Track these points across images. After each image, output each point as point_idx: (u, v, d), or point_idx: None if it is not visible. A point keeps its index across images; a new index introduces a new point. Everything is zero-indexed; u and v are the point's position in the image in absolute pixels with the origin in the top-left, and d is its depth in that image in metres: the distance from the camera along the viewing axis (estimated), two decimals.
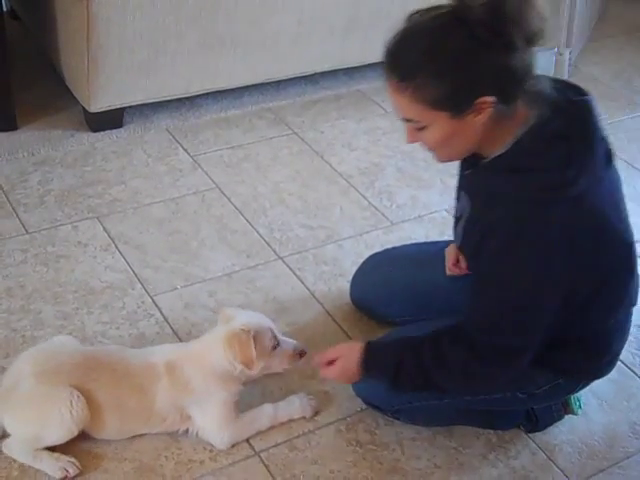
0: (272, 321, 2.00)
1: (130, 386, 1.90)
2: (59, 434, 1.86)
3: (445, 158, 1.75)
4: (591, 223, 1.64)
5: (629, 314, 1.89)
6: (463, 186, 1.84)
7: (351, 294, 2.35)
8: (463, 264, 2.02)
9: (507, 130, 1.64)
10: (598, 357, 1.89)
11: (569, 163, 1.60)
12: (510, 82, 1.57)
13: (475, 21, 1.51)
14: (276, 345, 1.95)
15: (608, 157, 1.69)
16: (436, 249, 2.18)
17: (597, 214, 1.65)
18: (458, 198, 1.86)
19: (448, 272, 2.10)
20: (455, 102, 1.58)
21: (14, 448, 1.88)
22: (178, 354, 1.96)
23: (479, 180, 1.74)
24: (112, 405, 1.90)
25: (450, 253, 2.10)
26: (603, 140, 1.67)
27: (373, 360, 1.87)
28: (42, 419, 1.85)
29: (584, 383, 1.97)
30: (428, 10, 1.59)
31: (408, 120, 1.66)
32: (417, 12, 1.60)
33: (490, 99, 1.57)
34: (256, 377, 1.98)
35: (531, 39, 1.54)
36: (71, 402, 1.83)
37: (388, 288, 2.23)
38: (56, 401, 1.83)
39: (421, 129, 1.65)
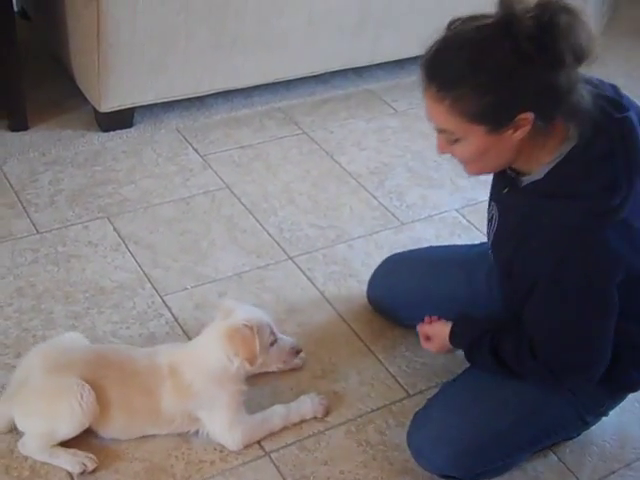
0: (282, 323, 2.01)
1: (137, 386, 1.91)
2: (70, 427, 1.86)
3: (476, 172, 1.70)
4: (634, 244, 1.59)
5: None
6: (494, 198, 1.79)
7: (368, 294, 2.33)
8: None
9: (542, 147, 1.60)
10: None
11: (615, 188, 1.55)
12: (552, 100, 1.52)
13: (523, 35, 1.46)
14: (274, 341, 1.95)
15: None
16: (457, 256, 2.16)
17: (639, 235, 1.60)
18: (489, 204, 1.82)
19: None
20: (494, 117, 1.54)
21: (30, 446, 1.89)
22: (178, 357, 1.95)
23: (516, 201, 1.69)
24: (120, 403, 1.90)
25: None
26: None
27: (460, 333, 1.89)
28: (52, 412, 1.85)
29: None
30: (472, 18, 1.53)
31: (442, 131, 1.61)
32: (459, 19, 1.55)
33: (530, 116, 1.52)
34: (251, 374, 1.97)
35: (580, 56, 1.49)
36: (81, 394, 1.84)
37: (405, 294, 2.20)
38: (66, 393, 1.84)
39: (455, 141, 1.61)
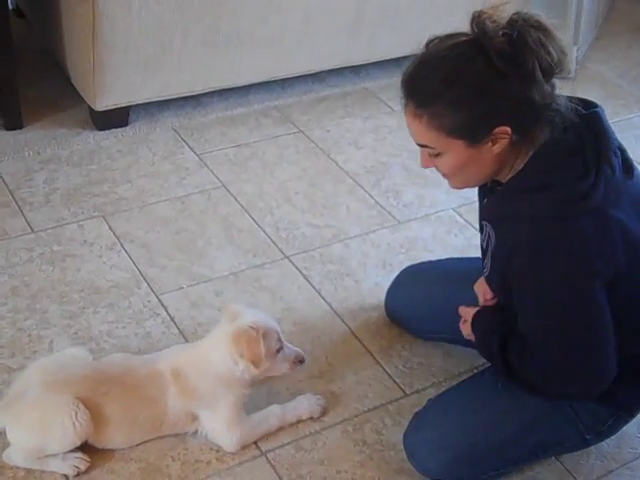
0: (278, 322, 2.00)
1: (141, 398, 1.89)
2: (61, 445, 1.84)
3: (460, 185, 1.74)
4: (613, 234, 1.59)
5: None
6: (484, 216, 1.79)
7: (386, 306, 2.30)
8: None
9: (522, 154, 1.63)
10: None
11: (583, 176, 1.57)
12: (528, 113, 1.56)
13: (495, 51, 1.51)
14: (280, 348, 1.94)
15: (627, 168, 1.63)
16: (475, 271, 2.14)
17: (618, 225, 1.59)
18: (481, 229, 1.81)
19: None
20: (471, 131, 1.58)
21: (16, 457, 1.87)
22: (182, 359, 1.94)
23: (496, 206, 1.71)
24: (123, 419, 1.89)
25: (480, 289, 1.94)
26: (619, 150, 1.63)
27: (479, 321, 1.85)
28: (44, 429, 1.83)
29: None
30: (447, 37, 1.59)
31: (424, 146, 1.66)
32: (436, 38, 1.60)
33: (507, 129, 1.56)
34: (257, 380, 1.95)
35: (550, 71, 1.53)
36: (75, 413, 1.82)
37: (426, 306, 2.17)
38: (59, 411, 1.82)
39: (436, 155, 1.65)
